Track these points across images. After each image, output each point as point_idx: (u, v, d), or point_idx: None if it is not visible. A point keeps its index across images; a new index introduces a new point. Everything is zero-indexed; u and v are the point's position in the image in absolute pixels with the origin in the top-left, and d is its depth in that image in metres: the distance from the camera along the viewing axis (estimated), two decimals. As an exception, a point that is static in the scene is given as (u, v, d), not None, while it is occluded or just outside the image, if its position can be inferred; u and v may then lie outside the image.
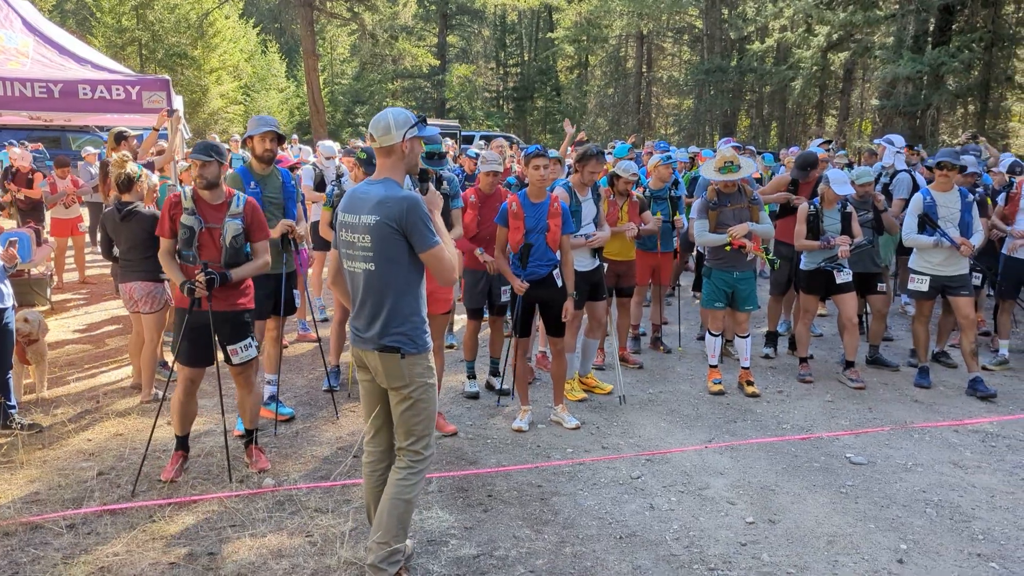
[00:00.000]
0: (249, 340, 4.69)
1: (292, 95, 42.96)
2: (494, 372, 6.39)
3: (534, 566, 3.79)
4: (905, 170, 8.26)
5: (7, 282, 5.36)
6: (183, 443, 4.78)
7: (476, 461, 5.02)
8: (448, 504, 4.41)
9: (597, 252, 6.15)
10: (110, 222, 5.85)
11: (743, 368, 6.56)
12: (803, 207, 6.76)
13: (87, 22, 34.70)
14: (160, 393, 5.92)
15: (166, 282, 5.92)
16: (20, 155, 10.38)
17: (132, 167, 5.87)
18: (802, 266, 6.86)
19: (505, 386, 6.29)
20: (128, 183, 5.78)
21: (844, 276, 6.65)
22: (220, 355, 4.70)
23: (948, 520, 4.35)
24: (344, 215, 3.46)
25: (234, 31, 36.57)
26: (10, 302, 5.33)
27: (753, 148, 11.01)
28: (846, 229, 6.64)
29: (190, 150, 4.82)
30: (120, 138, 7.12)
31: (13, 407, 5.40)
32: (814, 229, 6.65)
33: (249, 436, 4.93)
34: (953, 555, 3.98)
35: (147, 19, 32.80)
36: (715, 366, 6.62)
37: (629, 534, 4.12)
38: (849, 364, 6.80)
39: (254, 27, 41.02)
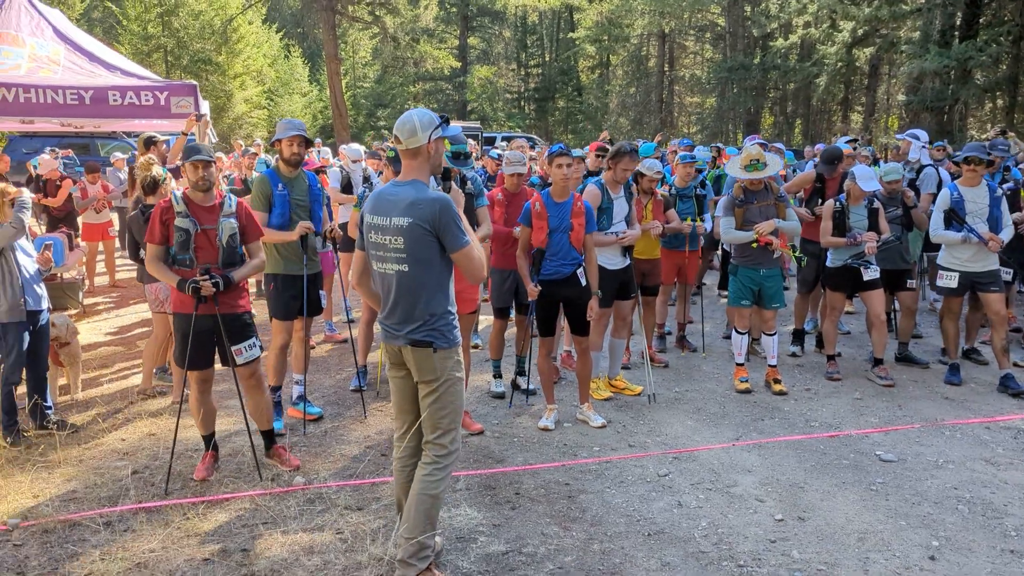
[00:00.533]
0: (253, 340, 4.73)
1: (315, 99, 43.32)
2: (520, 372, 6.41)
3: (563, 563, 3.80)
4: (931, 165, 8.17)
5: (42, 284, 5.47)
6: (211, 442, 4.85)
7: (503, 459, 5.05)
8: (476, 502, 4.44)
9: (627, 250, 6.14)
10: (135, 225, 5.95)
11: (770, 366, 6.52)
12: (829, 203, 6.71)
13: (114, 30, 35.22)
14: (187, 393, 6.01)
15: None
16: (47, 163, 10.52)
17: (157, 170, 5.98)
18: (829, 263, 6.81)
19: (531, 386, 6.31)
20: (154, 185, 5.88)
21: (871, 273, 6.59)
22: (221, 362, 4.74)
23: (980, 517, 4.30)
24: (372, 217, 3.48)
25: (257, 36, 37.02)
26: (45, 304, 5.44)
27: (780, 145, 10.86)
28: (873, 225, 6.59)
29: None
30: (150, 143, 7.22)
31: (49, 408, 5.52)
32: (840, 226, 6.60)
33: (269, 438, 4.96)
34: (985, 551, 3.94)
35: (172, 26, 33.24)
36: (742, 364, 6.60)
37: (657, 531, 4.12)
38: (878, 361, 6.74)
39: (277, 32, 41.46)
